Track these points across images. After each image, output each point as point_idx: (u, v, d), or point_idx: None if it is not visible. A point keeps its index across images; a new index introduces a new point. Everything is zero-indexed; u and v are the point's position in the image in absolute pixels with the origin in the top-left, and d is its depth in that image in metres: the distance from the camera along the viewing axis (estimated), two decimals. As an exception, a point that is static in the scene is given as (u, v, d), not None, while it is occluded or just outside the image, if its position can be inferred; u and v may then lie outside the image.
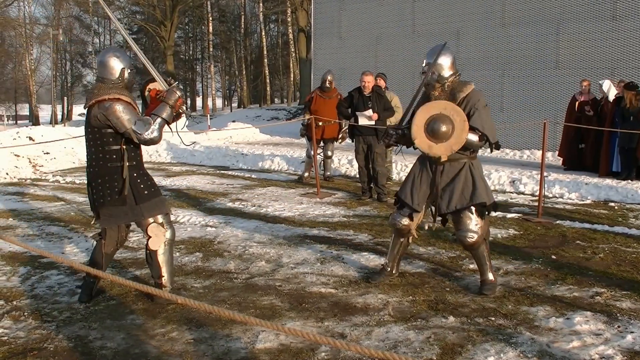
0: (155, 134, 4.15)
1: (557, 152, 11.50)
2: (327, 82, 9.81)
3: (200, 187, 9.65)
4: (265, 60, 40.50)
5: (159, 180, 10.41)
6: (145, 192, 4.26)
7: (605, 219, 7.13)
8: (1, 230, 6.74)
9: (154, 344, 3.68)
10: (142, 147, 4.39)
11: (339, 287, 4.70)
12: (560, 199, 8.53)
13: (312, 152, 9.50)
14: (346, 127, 9.79)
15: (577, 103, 10.69)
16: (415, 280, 4.85)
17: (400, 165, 10.38)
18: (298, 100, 32.58)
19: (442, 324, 3.93)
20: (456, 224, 4.50)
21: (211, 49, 42.99)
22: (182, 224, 7.01)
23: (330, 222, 7.01)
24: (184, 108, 4.42)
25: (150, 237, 4.31)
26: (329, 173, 10.28)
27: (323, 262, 5.35)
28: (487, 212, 4.46)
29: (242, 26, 43.82)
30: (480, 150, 4.62)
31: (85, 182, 4.51)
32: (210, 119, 24.54)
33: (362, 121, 8.19)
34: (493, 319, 4.01)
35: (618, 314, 4.06)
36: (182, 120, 4.50)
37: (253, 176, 10.93)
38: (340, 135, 9.90)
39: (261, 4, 40.76)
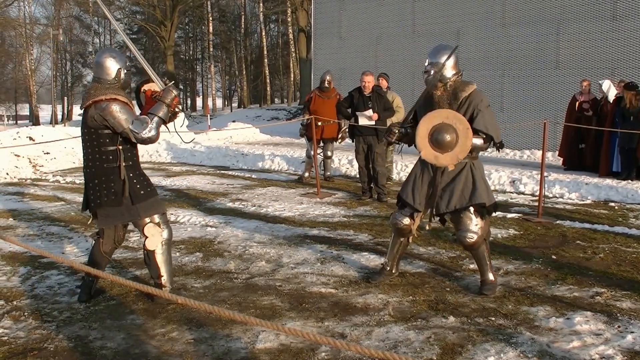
0: (153, 132, 4.16)
1: (557, 152, 11.50)
2: (326, 82, 9.81)
3: (200, 187, 9.65)
4: (266, 60, 40.51)
5: (159, 180, 10.41)
6: (142, 192, 4.27)
7: (606, 219, 7.13)
8: (1, 230, 6.74)
9: (154, 344, 3.68)
10: (141, 147, 4.40)
11: (339, 287, 4.70)
12: (560, 199, 8.53)
13: (312, 152, 9.50)
14: (345, 127, 9.80)
15: (577, 103, 10.69)
16: (416, 280, 4.85)
17: (401, 165, 10.38)
18: (298, 100, 32.59)
19: (442, 324, 3.93)
20: (456, 224, 4.50)
21: (211, 49, 42.99)
22: (182, 224, 7.01)
23: (330, 222, 7.01)
24: (180, 107, 4.42)
25: (147, 237, 4.31)
26: (329, 173, 10.28)
27: (323, 262, 5.35)
28: (488, 213, 4.46)
29: (243, 26, 43.83)
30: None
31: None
32: (210, 119, 24.55)
33: (362, 121, 8.19)
34: (493, 319, 4.01)
35: (618, 314, 4.06)
36: (181, 118, 4.50)
37: (253, 176, 10.93)
38: (339, 135, 9.90)
39: (261, 4, 40.76)
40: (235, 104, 49.34)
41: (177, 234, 6.44)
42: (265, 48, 40.99)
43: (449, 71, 4.45)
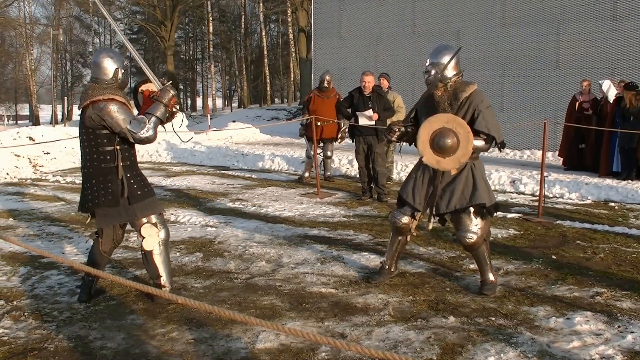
0: (151, 132, 4.16)
1: (557, 152, 11.49)
2: (325, 82, 9.81)
3: (200, 187, 9.65)
4: (266, 60, 40.50)
5: (159, 180, 10.41)
6: (139, 192, 4.27)
7: (606, 219, 7.13)
8: (1, 230, 6.74)
9: (155, 344, 3.69)
10: (141, 147, 4.41)
11: (339, 287, 4.70)
12: (560, 199, 8.53)
13: (312, 152, 9.50)
14: (345, 127, 9.81)
15: (577, 103, 10.69)
16: (416, 280, 4.85)
17: (401, 165, 10.37)
18: (298, 100, 32.61)
19: (442, 324, 3.93)
20: (456, 224, 4.50)
21: (211, 49, 42.99)
22: (182, 224, 7.01)
23: (330, 222, 7.01)
24: (178, 107, 4.42)
25: (143, 237, 4.31)
26: (329, 173, 10.28)
27: (323, 262, 5.35)
28: (489, 213, 4.46)
29: (243, 26, 43.83)
30: None
31: None
32: (210, 119, 24.53)
33: (363, 121, 8.19)
34: (493, 319, 4.01)
35: (618, 314, 4.06)
36: (179, 118, 4.50)
37: (253, 176, 10.93)
38: (339, 135, 9.90)
39: (261, 4, 40.76)
40: (235, 104, 49.35)
41: (177, 234, 6.45)
42: (265, 48, 40.99)
43: (449, 71, 4.45)
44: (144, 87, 4.48)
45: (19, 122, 44.13)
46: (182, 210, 7.79)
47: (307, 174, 10.15)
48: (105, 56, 4.29)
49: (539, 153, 11.46)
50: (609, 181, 9.13)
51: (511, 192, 9.05)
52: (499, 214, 7.09)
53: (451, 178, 4.44)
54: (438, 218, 4.65)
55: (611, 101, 10.01)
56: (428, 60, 4.53)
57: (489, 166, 10.00)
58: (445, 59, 4.43)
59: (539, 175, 7.52)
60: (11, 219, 7.38)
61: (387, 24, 15.95)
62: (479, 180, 4.40)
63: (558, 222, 6.91)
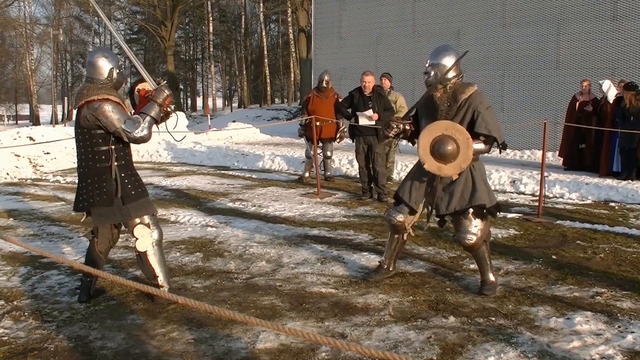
0: (145, 132, 4.17)
1: (557, 152, 11.49)
2: (324, 82, 9.80)
3: (200, 187, 9.65)
4: (266, 60, 40.51)
5: (160, 180, 10.42)
6: (133, 192, 4.27)
7: (606, 219, 7.13)
8: (2, 230, 6.74)
9: (155, 344, 3.69)
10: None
11: (339, 287, 4.70)
12: (560, 199, 8.53)
13: (311, 152, 9.50)
14: (344, 126, 9.82)
15: (577, 103, 10.70)
16: (416, 280, 4.85)
17: (401, 165, 10.37)
18: (299, 100, 32.60)
19: (442, 324, 3.93)
20: (456, 226, 4.50)
21: (211, 49, 43.00)
22: (182, 224, 7.02)
23: (330, 222, 7.01)
24: (173, 107, 4.43)
25: (136, 238, 4.31)
26: (329, 173, 10.28)
27: (323, 262, 5.35)
28: (491, 214, 4.47)
29: (243, 26, 43.84)
30: None
31: None
32: (210, 119, 24.54)
33: (363, 121, 8.19)
34: (493, 319, 4.01)
35: (618, 314, 4.06)
36: (174, 118, 4.50)
37: (253, 176, 10.93)
38: (338, 135, 9.91)
39: (261, 4, 40.76)
40: (235, 104, 49.35)
41: (177, 234, 6.45)
42: (265, 48, 40.99)
43: (449, 73, 4.45)
44: (140, 87, 4.48)
45: (19, 122, 44.14)
46: (182, 210, 7.79)
47: (307, 174, 10.16)
48: (100, 56, 4.30)
49: (539, 153, 11.46)
50: (609, 181, 9.13)
51: (511, 192, 9.05)
52: (499, 214, 7.09)
53: (450, 179, 4.44)
54: (438, 219, 4.65)
55: (611, 101, 10.01)
56: (428, 61, 4.52)
57: (489, 166, 10.00)
58: (445, 60, 4.43)
59: (539, 175, 7.52)
60: (11, 219, 7.38)
61: (387, 24, 15.95)
62: (478, 182, 4.40)
63: (558, 222, 6.91)
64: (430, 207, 4.54)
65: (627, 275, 4.94)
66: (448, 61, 4.44)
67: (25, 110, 49.34)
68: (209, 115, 25.89)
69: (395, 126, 4.59)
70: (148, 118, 4.18)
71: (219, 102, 49.75)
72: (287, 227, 6.73)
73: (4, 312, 4.23)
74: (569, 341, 3.64)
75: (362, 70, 8.68)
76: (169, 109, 4.33)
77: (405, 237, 4.84)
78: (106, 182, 4.19)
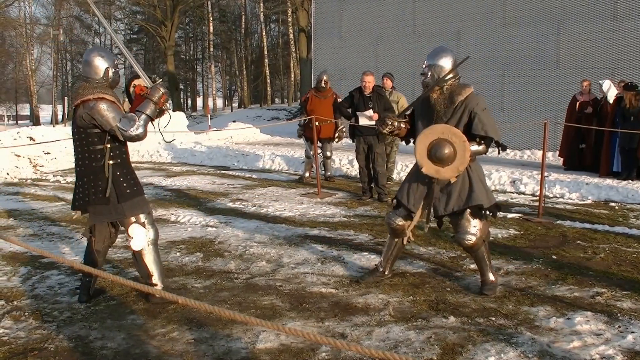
0: (140, 130, 4.18)
1: (557, 152, 11.50)
2: (323, 82, 9.80)
3: (200, 187, 9.66)
4: (266, 60, 40.52)
5: (160, 180, 10.42)
6: (128, 190, 4.27)
7: (606, 219, 7.13)
8: (2, 230, 6.74)
9: (155, 344, 3.69)
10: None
11: (339, 287, 4.70)
12: (560, 199, 8.53)
13: (311, 152, 9.50)
14: (342, 126, 9.82)
15: (577, 103, 10.70)
16: (416, 280, 4.85)
17: (401, 165, 10.38)
18: (299, 100, 32.59)
19: (442, 324, 3.93)
20: (455, 226, 4.50)
21: (212, 49, 43.01)
22: (182, 224, 7.02)
23: (330, 222, 7.01)
24: (168, 105, 4.43)
25: (131, 237, 4.32)
26: (329, 173, 10.28)
27: (324, 262, 5.35)
28: (492, 215, 4.47)
29: (243, 26, 43.85)
30: None
31: None
32: (210, 119, 24.56)
33: (363, 121, 8.19)
34: (494, 319, 4.01)
35: (619, 314, 4.06)
36: (166, 118, 4.50)
37: (253, 176, 10.94)
38: (336, 135, 9.90)
39: (262, 4, 40.76)
40: (235, 104, 49.37)
41: (177, 234, 6.45)
42: (265, 48, 41.00)
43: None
44: (136, 82, 4.49)
45: (19, 122, 44.18)
46: (183, 210, 7.79)
47: (307, 174, 10.16)
48: (96, 55, 4.30)
49: (539, 153, 11.47)
50: (609, 181, 9.13)
51: (511, 192, 9.05)
52: (499, 214, 7.09)
53: (448, 181, 4.44)
54: (437, 220, 4.65)
55: (611, 101, 10.02)
56: (425, 62, 4.52)
57: (490, 166, 10.01)
58: (442, 61, 4.43)
59: (540, 175, 7.52)
60: (11, 219, 7.38)
61: (387, 24, 15.96)
62: (475, 182, 4.40)
63: (558, 222, 6.91)
64: (429, 209, 4.55)
65: (627, 275, 4.94)
66: (445, 62, 4.44)
67: (25, 110, 49.36)
68: (209, 115, 25.92)
69: (389, 123, 4.58)
70: (143, 116, 4.19)
71: (219, 102, 49.77)
72: (287, 227, 6.73)
73: (4, 312, 4.23)
74: (569, 341, 3.64)
75: (362, 70, 8.69)
76: (164, 107, 4.34)
77: (405, 242, 4.84)
78: (102, 180, 4.20)
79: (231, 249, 5.84)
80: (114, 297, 4.51)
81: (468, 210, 4.36)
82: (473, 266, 5.00)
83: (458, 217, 4.42)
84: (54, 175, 11.31)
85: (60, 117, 41.80)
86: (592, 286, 4.64)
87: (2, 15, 35.82)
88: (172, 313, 4.16)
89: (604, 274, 4.95)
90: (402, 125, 4.64)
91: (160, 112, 4.36)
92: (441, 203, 4.44)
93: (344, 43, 17.14)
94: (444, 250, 5.69)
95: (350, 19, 16.95)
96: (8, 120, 45.31)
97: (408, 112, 4.72)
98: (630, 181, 9.12)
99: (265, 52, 40.81)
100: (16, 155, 12.00)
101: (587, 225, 6.73)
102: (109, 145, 4.20)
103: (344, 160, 11.47)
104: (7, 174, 11.16)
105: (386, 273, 4.85)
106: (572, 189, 8.84)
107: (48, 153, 12.73)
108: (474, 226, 4.39)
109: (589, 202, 8.30)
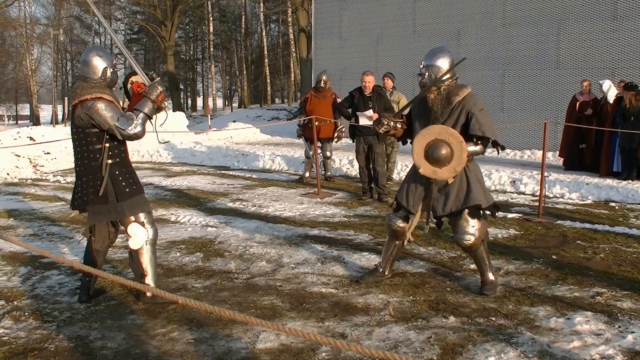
0: (139, 128, 4.18)
1: (557, 152, 11.50)
2: (322, 82, 9.80)
3: (200, 187, 9.66)
4: (266, 60, 40.51)
5: (160, 180, 10.42)
6: (127, 189, 4.27)
7: (606, 219, 7.13)
8: (2, 230, 6.74)
9: (155, 344, 3.69)
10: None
11: (339, 287, 4.70)
12: (560, 199, 8.53)
13: (310, 153, 9.49)
14: (341, 126, 9.82)
15: (577, 103, 10.70)
16: (416, 280, 4.85)
17: (401, 165, 10.38)
18: (299, 100, 32.59)
19: (442, 324, 3.93)
20: (453, 227, 4.50)
21: (212, 49, 43.00)
22: (182, 224, 7.02)
23: (330, 222, 7.01)
24: (166, 104, 4.43)
25: (130, 236, 4.32)
26: (329, 173, 10.29)
27: (324, 262, 5.35)
28: (491, 214, 4.47)
29: (243, 26, 43.84)
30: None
31: None
32: (210, 119, 24.56)
33: (363, 121, 8.19)
34: (494, 319, 4.01)
35: (619, 314, 4.06)
36: (162, 116, 4.50)
37: (254, 176, 10.94)
38: (335, 134, 9.90)
39: (262, 4, 40.76)
40: (235, 104, 49.36)
41: (177, 234, 6.45)
42: (265, 48, 41.00)
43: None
44: (133, 79, 4.49)
45: (19, 122, 44.17)
46: (183, 210, 7.79)
47: (307, 174, 10.16)
48: (94, 55, 4.30)
49: (539, 153, 11.47)
50: (609, 181, 9.13)
51: (511, 192, 9.05)
52: (500, 214, 7.10)
53: (446, 182, 4.44)
54: (436, 221, 4.65)
55: (611, 101, 10.02)
56: (422, 62, 4.52)
57: (489, 166, 10.01)
58: (440, 61, 4.43)
59: (540, 175, 7.52)
60: (11, 219, 7.38)
61: (387, 24, 15.96)
62: (473, 182, 4.40)
63: (558, 222, 6.91)
64: (428, 210, 4.55)
65: (627, 275, 4.94)
66: (442, 63, 4.44)
67: (25, 110, 49.35)
68: (209, 115, 25.92)
69: (386, 123, 4.58)
70: (141, 115, 4.19)
71: (219, 102, 49.77)
72: (287, 227, 6.73)
73: (4, 312, 4.23)
74: (569, 341, 3.64)
75: (362, 70, 8.69)
76: (162, 105, 4.34)
77: (404, 243, 4.84)
78: (99, 179, 4.20)
79: (231, 249, 5.84)
80: (114, 297, 4.51)
81: (466, 210, 4.37)
82: (473, 266, 5.00)
83: (456, 218, 4.42)
84: (54, 175, 11.31)
85: (60, 117, 41.78)
86: (592, 286, 4.64)
87: (2, 15, 35.81)
88: (172, 313, 4.16)
89: (604, 274, 4.95)
90: (399, 126, 4.64)
91: (158, 110, 4.36)
92: (439, 204, 4.45)
93: (344, 43, 17.14)
94: (444, 250, 5.69)
95: (350, 19, 16.96)
96: (8, 120, 45.32)
97: (405, 112, 4.72)
98: (630, 181, 9.12)
99: (265, 52, 40.81)
100: (16, 155, 12.00)
101: (587, 225, 6.73)
102: (107, 145, 4.21)
103: (344, 160, 11.47)
104: (7, 174, 11.16)
105: (386, 273, 4.85)
106: (572, 189, 8.84)
107: (48, 153, 12.73)
108: (473, 226, 4.39)
109: (589, 202, 8.30)
